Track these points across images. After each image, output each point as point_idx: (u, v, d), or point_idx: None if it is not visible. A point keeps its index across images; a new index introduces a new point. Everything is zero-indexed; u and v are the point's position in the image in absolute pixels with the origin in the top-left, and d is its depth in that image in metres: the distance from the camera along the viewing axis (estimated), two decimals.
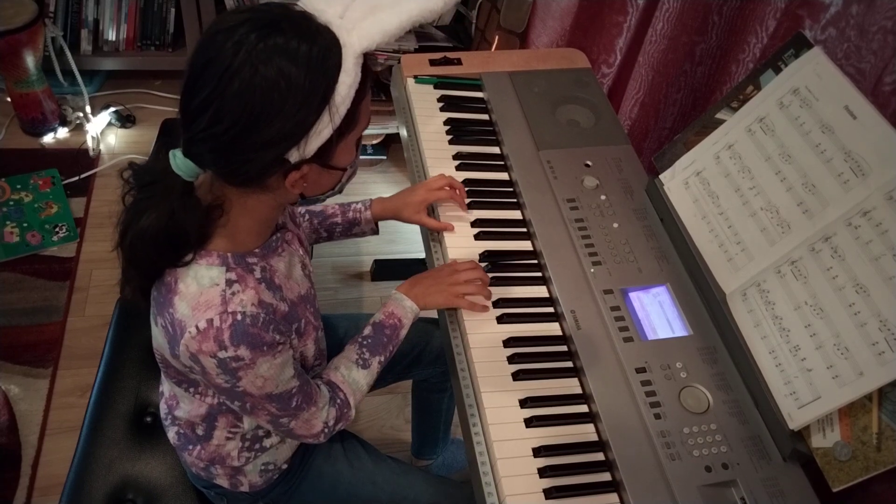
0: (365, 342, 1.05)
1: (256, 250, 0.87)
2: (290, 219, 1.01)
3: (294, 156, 0.75)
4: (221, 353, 0.80)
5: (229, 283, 0.81)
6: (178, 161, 0.77)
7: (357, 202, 1.23)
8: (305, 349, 0.96)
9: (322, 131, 0.74)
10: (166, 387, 1.05)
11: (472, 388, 1.01)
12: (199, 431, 1.02)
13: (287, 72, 0.70)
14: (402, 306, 1.08)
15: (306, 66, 0.71)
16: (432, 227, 1.19)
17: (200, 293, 0.80)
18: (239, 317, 0.80)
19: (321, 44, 0.72)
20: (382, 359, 1.06)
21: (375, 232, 1.25)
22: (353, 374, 1.03)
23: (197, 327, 0.79)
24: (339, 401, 1.00)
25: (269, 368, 0.84)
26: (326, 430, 0.98)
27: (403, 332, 1.08)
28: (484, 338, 1.06)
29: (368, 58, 0.78)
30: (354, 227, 1.23)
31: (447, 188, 1.19)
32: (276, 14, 0.72)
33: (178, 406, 1.03)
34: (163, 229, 0.79)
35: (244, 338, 0.80)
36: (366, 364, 1.04)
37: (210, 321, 0.79)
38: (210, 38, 0.71)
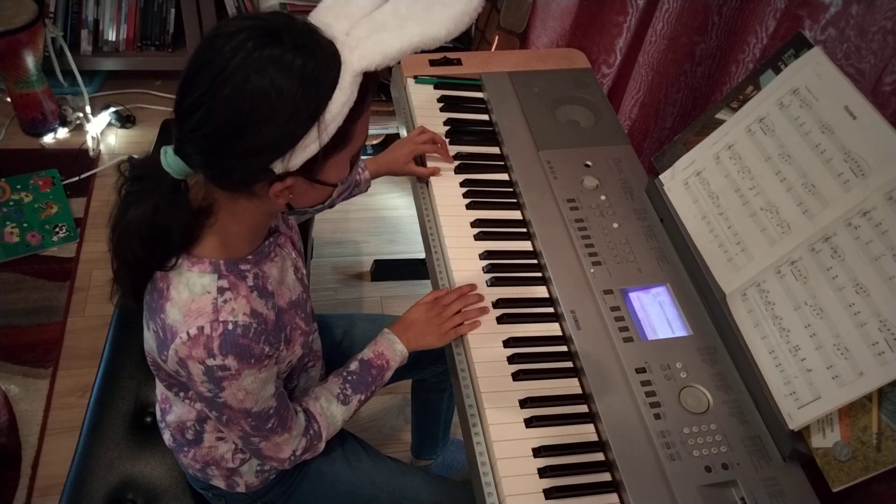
0: (350, 378, 1.05)
1: (249, 257, 0.86)
2: (283, 220, 1.00)
3: (279, 167, 0.74)
4: (209, 361, 0.80)
5: (221, 290, 0.81)
6: (169, 158, 0.76)
7: None
8: (293, 356, 0.96)
9: (309, 146, 0.73)
10: (160, 390, 1.06)
11: (472, 388, 1.01)
12: (189, 435, 1.02)
13: (279, 83, 0.69)
14: (393, 349, 1.08)
15: (300, 79, 0.69)
16: (422, 174, 1.27)
17: (192, 300, 0.80)
18: (230, 326, 0.80)
19: (319, 58, 0.71)
20: (363, 397, 1.06)
21: (367, 187, 1.33)
22: (331, 408, 1.03)
23: (188, 333, 0.79)
24: (311, 432, 1.00)
25: (253, 382, 0.84)
26: (293, 458, 0.99)
27: (389, 374, 1.08)
28: (484, 338, 1.06)
29: (370, 75, 0.75)
30: (354, 189, 1.29)
31: (431, 143, 1.27)
32: (279, 24, 0.71)
33: (170, 410, 1.03)
34: (146, 223, 0.79)
35: (233, 348, 0.80)
36: (346, 400, 1.04)
37: (201, 328, 0.79)
38: (210, 41, 0.71)
